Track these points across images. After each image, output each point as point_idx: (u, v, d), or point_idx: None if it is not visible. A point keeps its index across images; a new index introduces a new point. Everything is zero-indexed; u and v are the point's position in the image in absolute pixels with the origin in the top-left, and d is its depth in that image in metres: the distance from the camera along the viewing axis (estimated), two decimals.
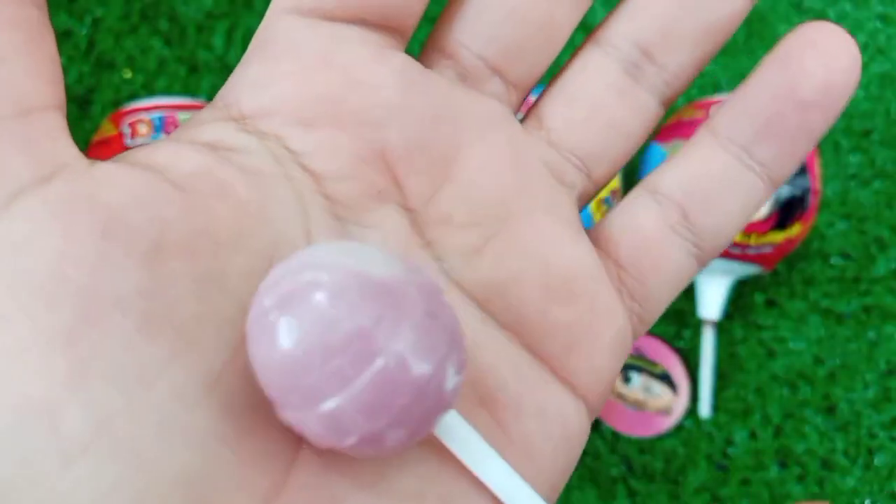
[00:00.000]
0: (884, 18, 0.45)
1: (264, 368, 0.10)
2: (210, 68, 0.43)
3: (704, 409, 0.39)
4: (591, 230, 0.15)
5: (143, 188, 0.11)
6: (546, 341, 0.14)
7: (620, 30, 0.14)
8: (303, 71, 0.13)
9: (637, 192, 0.15)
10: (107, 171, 0.11)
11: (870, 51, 0.45)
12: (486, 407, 0.13)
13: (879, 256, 0.42)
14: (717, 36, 0.14)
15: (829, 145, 0.43)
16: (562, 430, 0.13)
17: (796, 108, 0.13)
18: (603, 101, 0.14)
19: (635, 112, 0.14)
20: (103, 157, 0.34)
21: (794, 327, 0.41)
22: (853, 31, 0.45)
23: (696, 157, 0.14)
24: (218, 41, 0.43)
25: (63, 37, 0.43)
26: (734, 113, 0.14)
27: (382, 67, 0.13)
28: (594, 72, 0.14)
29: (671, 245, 0.14)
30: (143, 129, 0.34)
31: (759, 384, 0.40)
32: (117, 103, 0.42)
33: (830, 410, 0.40)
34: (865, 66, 0.45)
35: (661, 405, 0.39)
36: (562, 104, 0.14)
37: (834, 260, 0.42)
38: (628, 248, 0.15)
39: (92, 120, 0.41)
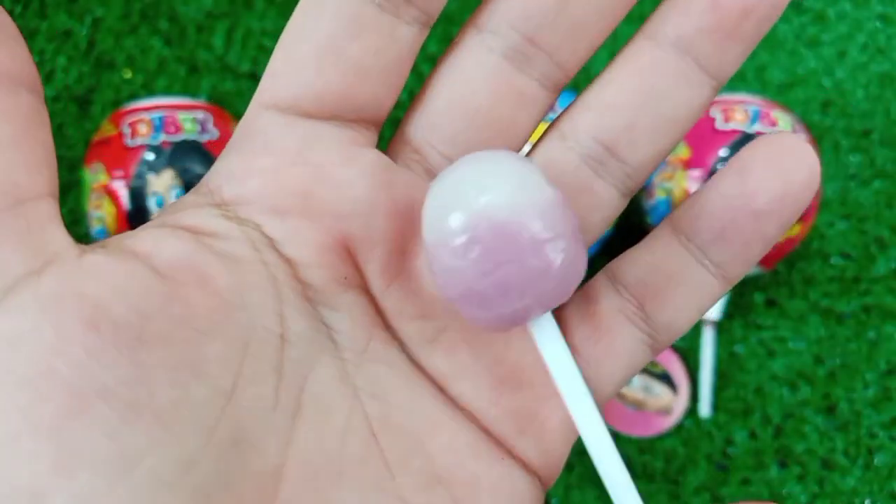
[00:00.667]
0: (884, 18, 0.45)
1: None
2: (210, 68, 0.43)
3: (704, 408, 0.39)
4: (554, 311, 0.16)
5: (128, 279, 0.12)
6: (498, 425, 0.15)
7: (582, 123, 0.15)
8: (277, 166, 0.14)
9: (599, 278, 0.16)
10: (94, 262, 0.12)
11: (870, 51, 0.45)
12: (442, 484, 0.14)
13: (879, 256, 0.42)
14: (678, 128, 0.14)
15: (830, 145, 0.43)
16: (514, 501, 0.14)
17: (751, 217, 0.14)
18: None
19: (595, 208, 0.15)
20: (104, 156, 0.34)
21: (794, 327, 0.41)
22: (853, 31, 0.45)
23: (656, 251, 0.15)
24: (218, 41, 0.43)
25: (63, 37, 0.43)
26: (694, 212, 0.15)
27: (351, 166, 0.14)
28: (555, 167, 0.15)
29: (625, 333, 0.15)
30: (143, 128, 0.34)
31: (759, 384, 0.40)
32: (117, 103, 0.42)
33: (830, 410, 0.40)
34: (865, 66, 0.45)
35: (660, 405, 0.39)
36: None
37: (834, 260, 0.42)
38: (584, 334, 0.15)
39: (92, 120, 0.41)
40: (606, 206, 0.15)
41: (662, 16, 0.14)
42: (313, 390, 0.13)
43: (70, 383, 0.11)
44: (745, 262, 0.15)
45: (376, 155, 0.14)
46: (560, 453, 0.15)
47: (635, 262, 0.15)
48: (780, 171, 0.14)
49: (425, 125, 0.15)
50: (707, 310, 0.15)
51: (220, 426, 0.12)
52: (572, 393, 0.14)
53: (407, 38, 0.14)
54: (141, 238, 0.13)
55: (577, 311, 0.15)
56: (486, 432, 0.14)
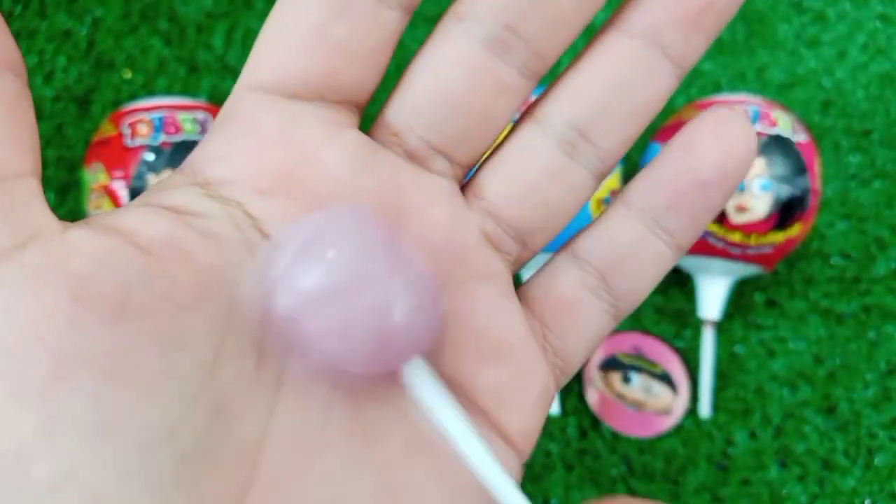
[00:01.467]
0: (884, 18, 0.45)
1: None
2: (210, 68, 0.43)
3: (704, 409, 0.39)
4: (520, 289, 0.16)
5: (110, 254, 0.12)
6: (478, 398, 0.15)
7: (557, 110, 0.15)
8: (261, 147, 0.14)
9: (560, 256, 0.16)
10: (77, 237, 0.12)
11: (870, 51, 0.45)
12: (424, 452, 0.14)
13: (879, 256, 0.42)
14: (646, 114, 0.16)
15: (830, 145, 0.43)
16: None
17: (698, 188, 0.15)
18: (538, 181, 0.15)
19: (569, 190, 0.16)
20: (104, 156, 0.34)
21: (794, 327, 0.41)
22: (853, 31, 0.45)
23: (612, 226, 0.16)
24: (218, 41, 0.43)
25: (63, 37, 0.43)
26: (645, 188, 0.16)
27: (334, 147, 0.14)
28: (531, 151, 0.15)
29: (589, 306, 0.16)
30: (143, 129, 0.34)
31: (759, 384, 0.40)
32: (117, 103, 0.42)
33: (830, 411, 0.40)
34: (865, 66, 0.45)
35: (660, 405, 0.39)
36: (500, 181, 0.16)
37: (834, 260, 0.42)
38: (551, 309, 0.16)
39: (92, 120, 0.41)
40: (581, 189, 0.16)
41: (632, 7, 0.15)
42: (296, 364, 0.13)
43: (54, 351, 0.11)
44: (694, 231, 0.16)
45: (359, 136, 0.15)
46: (536, 426, 0.15)
47: (594, 236, 0.16)
48: (721, 145, 0.15)
49: (406, 110, 0.15)
50: (662, 277, 0.16)
51: (202, 396, 0.12)
52: (460, 434, 0.14)
53: (390, 22, 0.14)
54: (123, 215, 0.13)
55: (541, 287, 0.16)
56: (469, 403, 0.15)
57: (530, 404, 0.15)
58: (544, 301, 0.16)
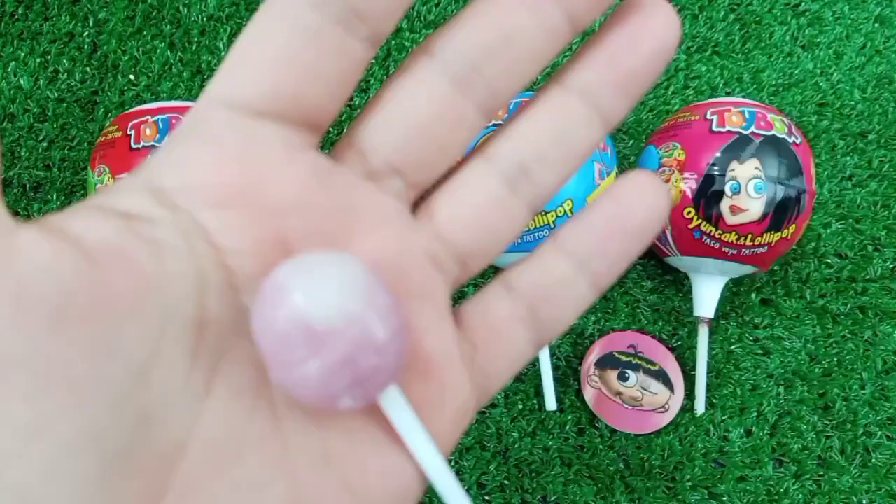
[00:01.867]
0: (881, 20, 0.46)
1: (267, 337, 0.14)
2: (214, 72, 0.43)
3: (700, 406, 0.40)
4: (455, 312, 0.18)
5: (54, 259, 0.12)
6: None
7: (504, 149, 0.17)
8: (220, 160, 0.15)
9: (494, 286, 0.18)
10: (25, 240, 0.12)
11: (867, 52, 0.45)
12: (333, 466, 0.15)
13: (875, 256, 0.42)
14: (577, 160, 0.17)
15: (826, 146, 0.44)
16: (399, 486, 0.15)
17: (625, 235, 0.17)
18: (484, 208, 0.17)
19: (509, 219, 0.17)
20: (109, 158, 0.35)
21: (789, 326, 0.41)
22: (850, 33, 0.45)
23: (544, 263, 0.18)
24: (221, 44, 0.44)
25: (66, 38, 0.43)
26: (577, 232, 0.17)
27: (292, 166, 0.15)
28: (481, 181, 0.17)
29: (516, 335, 0.17)
30: (147, 131, 0.35)
31: (754, 382, 0.40)
32: (122, 105, 0.42)
33: (826, 409, 0.40)
34: (862, 68, 0.45)
35: (657, 402, 0.39)
36: (451, 204, 0.17)
37: (829, 260, 0.42)
38: (483, 334, 0.17)
39: (97, 122, 0.42)
40: (517, 220, 0.17)
41: (572, 66, 0.17)
42: (226, 371, 0.14)
43: None
44: (613, 276, 0.18)
45: (317, 157, 0.15)
46: (451, 440, 0.16)
47: (527, 270, 0.18)
48: (645, 200, 0.17)
49: (373, 131, 0.16)
50: (578, 316, 0.18)
51: (129, 402, 0.13)
52: (427, 457, 0.15)
53: (356, 52, 0.15)
54: (73, 218, 0.13)
55: (477, 312, 0.18)
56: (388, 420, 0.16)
57: (447, 418, 0.16)
58: (478, 325, 0.17)
